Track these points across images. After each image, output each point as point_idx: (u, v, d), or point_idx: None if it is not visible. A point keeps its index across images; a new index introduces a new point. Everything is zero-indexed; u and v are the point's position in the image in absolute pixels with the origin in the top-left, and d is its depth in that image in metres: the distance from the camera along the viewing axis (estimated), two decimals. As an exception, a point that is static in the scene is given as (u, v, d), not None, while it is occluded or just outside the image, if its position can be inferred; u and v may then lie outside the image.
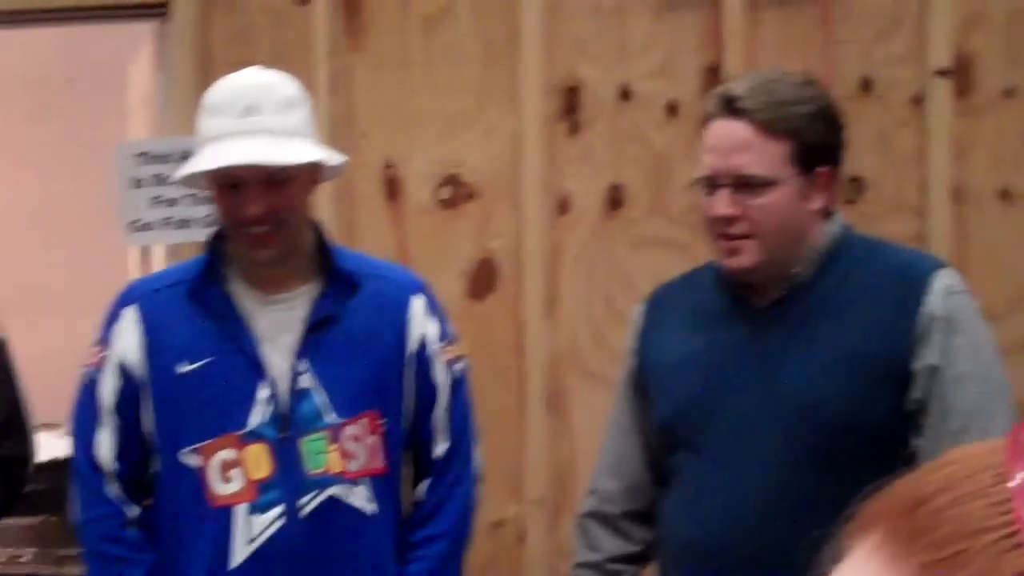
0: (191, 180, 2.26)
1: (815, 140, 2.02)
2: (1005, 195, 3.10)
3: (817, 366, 2.01)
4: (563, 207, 3.10)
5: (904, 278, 2.03)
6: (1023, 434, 0.43)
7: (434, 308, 2.32)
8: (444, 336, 2.31)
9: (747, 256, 2.02)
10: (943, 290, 1.99)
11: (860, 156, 3.09)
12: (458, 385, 2.32)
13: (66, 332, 4.74)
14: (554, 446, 3.02)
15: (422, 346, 2.27)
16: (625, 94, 3.15)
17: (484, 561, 2.83)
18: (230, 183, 2.14)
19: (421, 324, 2.28)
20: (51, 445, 3.87)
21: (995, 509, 0.42)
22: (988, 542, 0.42)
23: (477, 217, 3.10)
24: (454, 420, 2.30)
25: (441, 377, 2.29)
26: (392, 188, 3.11)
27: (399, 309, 2.26)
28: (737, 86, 2.07)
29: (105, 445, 2.21)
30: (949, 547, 0.43)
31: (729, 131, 2.02)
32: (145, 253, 3.47)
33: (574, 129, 3.13)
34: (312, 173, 2.22)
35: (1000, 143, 3.11)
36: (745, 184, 2.00)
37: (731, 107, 2.02)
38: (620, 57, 3.16)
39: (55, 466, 3.84)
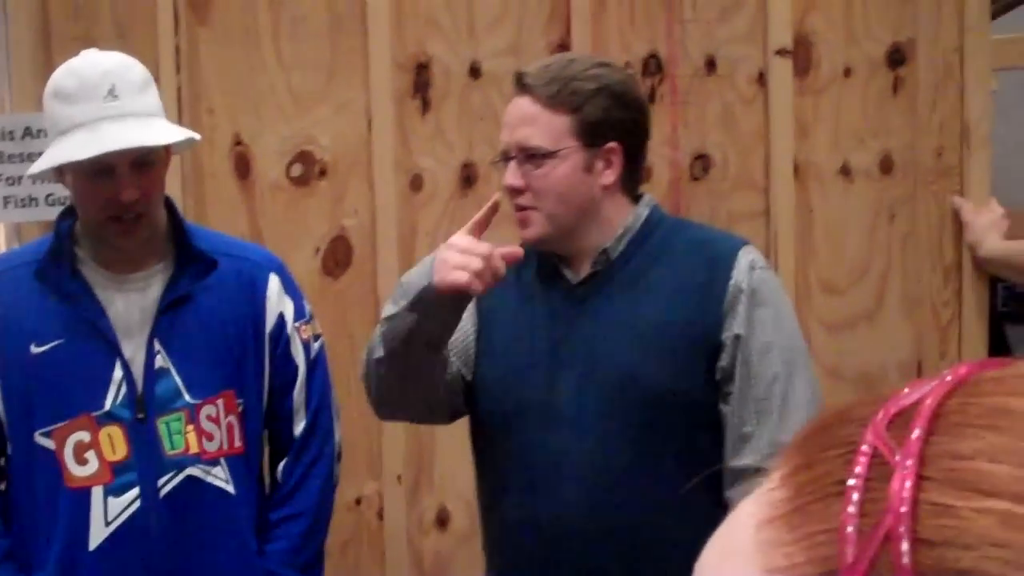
0: (40, 173, 2.20)
1: (598, 115, 2.09)
2: (845, 171, 3.20)
3: (633, 339, 2.08)
4: (416, 184, 3.10)
5: (712, 254, 2.13)
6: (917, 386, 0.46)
7: (290, 287, 2.31)
8: (301, 315, 2.30)
9: (534, 227, 2.10)
10: (748, 265, 2.10)
11: (707, 134, 3.17)
12: (316, 363, 2.31)
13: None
14: (411, 423, 3.03)
15: (279, 325, 2.26)
16: (475, 71, 3.16)
17: (345, 538, 2.83)
18: (100, 170, 2.09)
19: (277, 303, 2.27)
20: None
21: (852, 431, 0.45)
22: (832, 456, 0.45)
23: (330, 194, 3.08)
24: (312, 398, 2.30)
25: (299, 356, 2.29)
26: (242, 165, 3.07)
27: (255, 288, 2.25)
28: (531, 66, 2.17)
29: None
30: (809, 459, 0.46)
31: (518, 106, 2.12)
32: (-14, 233, 3.36)
33: (425, 106, 3.13)
34: (168, 155, 2.20)
35: (839, 121, 3.20)
36: (529, 156, 2.08)
37: (520, 84, 2.12)
38: (469, 34, 3.16)
39: None
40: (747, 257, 2.13)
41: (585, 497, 2.06)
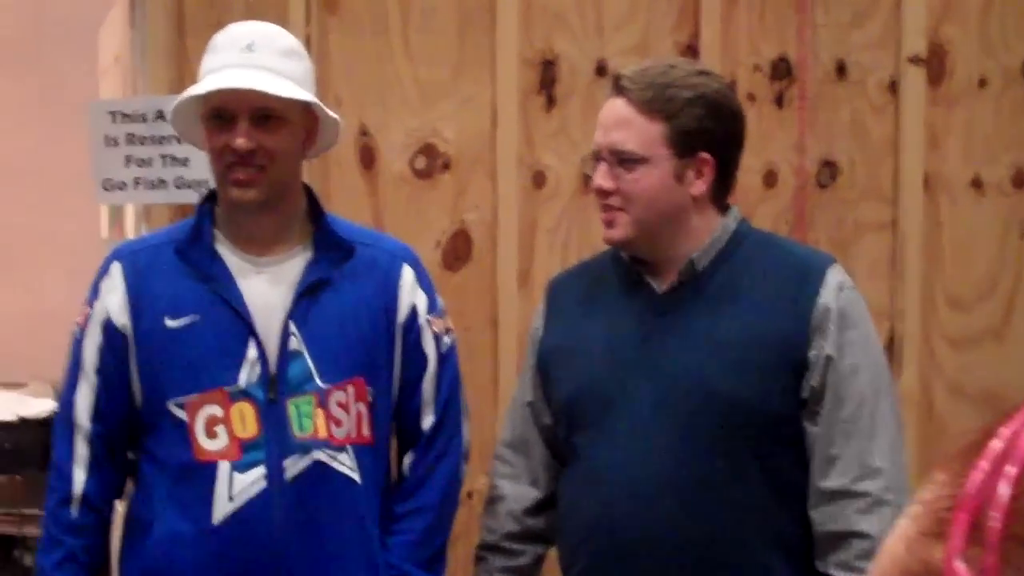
0: (186, 131, 2.24)
1: (692, 125, 2.08)
2: (976, 184, 3.14)
3: (716, 353, 2.07)
4: (539, 181, 3.10)
5: (800, 271, 2.12)
6: None
7: (424, 279, 2.32)
8: (433, 308, 2.31)
9: (619, 229, 2.10)
10: (836, 285, 2.09)
11: (835, 141, 3.12)
12: (446, 358, 2.32)
13: (34, 291, 4.71)
14: (526, 419, 3.03)
15: (412, 316, 2.27)
16: (602, 69, 3.15)
17: (456, 531, 2.83)
18: (221, 115, 2.13)
19: (411, 294, 2.27)
20: (15, 404, 3.85)
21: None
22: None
23: (452, 188, 3.09)
24: (441, 393, 2.30)
25: (430, 349, 2.29)
26: (367, 156, 3.10)
27: (390, 278, 2.26)
28: (629, 69, 2.16)
29: (83, 403, 2.20)
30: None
31: (612, 109, 2.12)
32: (117, 213, 3.44)
33: (551, 103, 3.13)
34: (305, 127, 2.20)
35: (972, 133, 3.14)
36: (621, 159, 2.08)
37: (617, 86, 2.12)
38: (597, 32, 3.16)
39: (19, 425, 3.82)
40: (836, 277, 2.11)
41: (660, 511, 2.06)
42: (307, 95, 2.16)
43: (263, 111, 2.12)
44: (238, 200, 2.16)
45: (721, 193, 2.17)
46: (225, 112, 2.13)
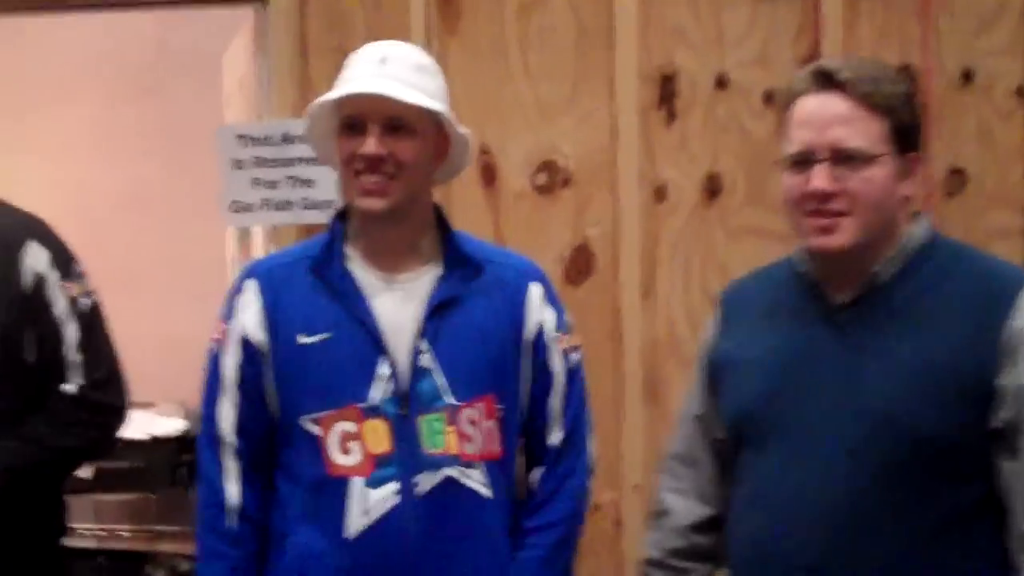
0: (320, 148, 2.27)
1: (909, 121, 1.96)
2: (1109, 188, 3.06)
3: (895, 375, 1.91)
4: (660, 195, 3.09)
5: (992, 289, 1.92)
6: None
7: (551, 297, 2.31)
8: (560, 325, 2.30)
9: (843, 234, 1.93)
10: None
11: (962, 148, 3.07)
12: (573, 375, 2.31)
13: (162, 314, 4.81)
14: (651, 433, 3.02)
15: (539, 333, 2.26)
16: (721, 82, 3.14)
17: (582, 546, 2.83)
18: (353, 124, 2.15)
19: (539, 311, 2.27)
20: (146, 423, 3.94)
21: None
22: None
23: (573, 203, 3.10)
24: (569, 409, 2.29)
25: (557, 365, 2.28)
26: (488, 174, 3.12)
27: (518, 295, 2.26)
28: (829, 62, 1.99)
29: (226, 418, 2.23)
30: None
31: (826, 104, 1.94)
32: (244, 235, 3.51)
33: (671, 117, 3.12)
34: (435, 142, 2.21)
35: (1104, 137, 3.07)
36: (845, 158, 1.91)
37: (828, 80, 1.94)
38: (717, 45, 3.15)
39: (150, 444, 3.91)
40: None
41: (825, 538, 1.91)
42: (437, 104, 2.18)
43: (394, 120, 2.14)
44: (367, 209, 2.17)
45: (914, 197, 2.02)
46: (357, 120, 2.15)
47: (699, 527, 2.15)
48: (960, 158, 3.07)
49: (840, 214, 1.92)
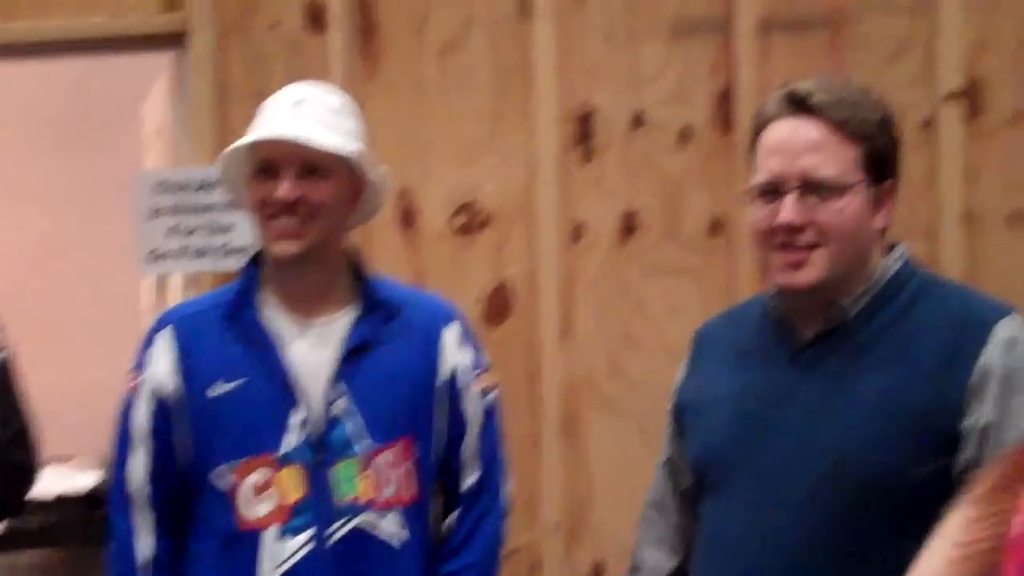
0: (234, 193, 2.26)
1: (884, 148, 1.86)
2: (1016, 219, 3.11)
3: (856, 416, 1.81)
4: (577, 234, 3.12)
5: (963, 325, 1.81)
6: None
7: (467, 337, 2.31)
8: (477, 365, 2.30)
9: (814, 269, 1.83)
10: (1005, 342, 1.78)
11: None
12: (489, 415, 2.30)
13: (80, 365, 4.77)
14: (569, 473, 3.03)
15: (453, 376, 2.26)
16: (638, 120, 3.17)
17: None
18: (267, 169, 2.14)
19: (454, 355, 2.27)
20: (61, 478, 3.90)
21: None
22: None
23: (492, 244, 3.12)
24: (484, 451, 2.29)
25: (472, 407, 2.28)
26: (407, 215, 3.13)
27: (432, 338, 2.25)
28: (802, 85, 1.87)
29: (137, 471, 2.21)
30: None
31: (798, 130, 1.83)
32: (161, 284, 3.49)
33: (588, 156, 3.15)
34: (352, 184, 2.21)
35: (1010, 167, 3.12)
36: (816, 188, 1.81)
37: (800, 105, 1.84)
38: (633, 83, 3.18)
39: (65, 500, 3.86)
40: (1007, 331, 1.79)
41: None
42: (352, 148, 2.17)
43: (309, 164, 2.14)
44: (281, 254, 2.16)
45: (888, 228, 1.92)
46: (271, 164, 2.14)
47: None
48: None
49: (810, 247, 1.83)
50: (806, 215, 1.81)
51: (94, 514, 3.90)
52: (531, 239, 3.10)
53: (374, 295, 2.24)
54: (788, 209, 1.82)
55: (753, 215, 1.88)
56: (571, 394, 3.06)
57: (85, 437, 4.04)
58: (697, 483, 1.99)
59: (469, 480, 2.28)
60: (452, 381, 2.26)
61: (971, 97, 3.11)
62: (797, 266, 1.83)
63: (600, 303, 3.09)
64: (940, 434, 1.76)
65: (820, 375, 1.86)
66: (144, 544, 2.20)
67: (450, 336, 2.28)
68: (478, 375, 2.30)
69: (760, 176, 1.86)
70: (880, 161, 1.85)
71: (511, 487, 2.37)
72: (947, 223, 3.09)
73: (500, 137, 3.16)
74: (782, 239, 1.84)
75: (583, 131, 3.15)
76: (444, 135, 3.17)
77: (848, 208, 1.82)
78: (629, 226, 3.12)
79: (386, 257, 3.07)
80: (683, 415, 2.04)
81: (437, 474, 2.28)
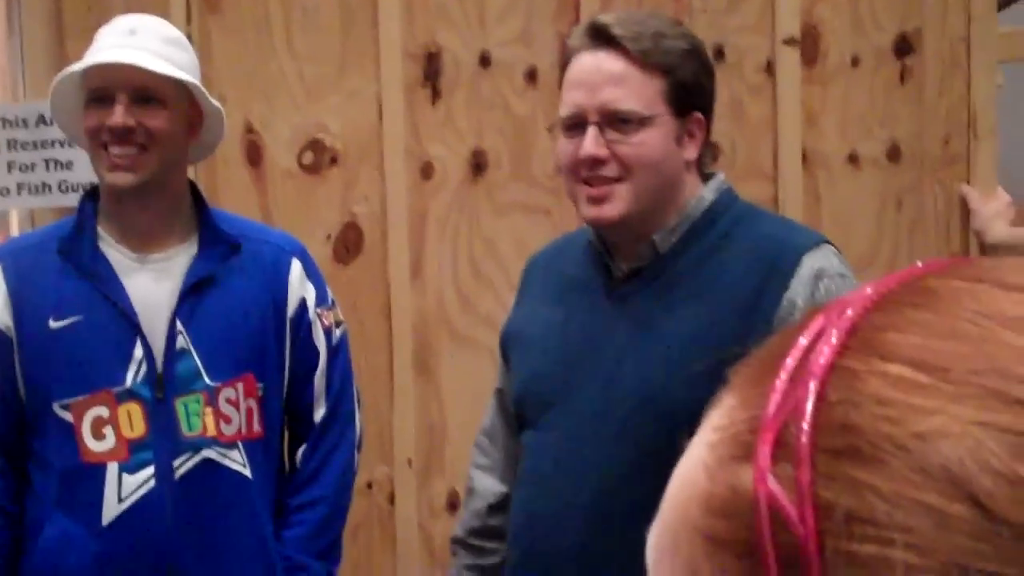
0: (68, 126, 2.21)
1: (690, 79, 1.84)
2: (853, 160, 3.21)
3: (661, 354, 1.80)
4: (427, 172, 3.12)
5: (772, 257, 1.80)
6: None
7: (312, 272, 2.30)
8: (323, 300, 2.30)
9: (617, 204, 1.81)
10: (812, 275, 1.78)
11: (716, 123, 3.18)
12: (338, 350, 2.31)
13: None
14: (423, 407, 3.05)
15: (301, 310, 2.26)
16: (484, 61, 3.18)
17: (356, 522, 2.85)
18: (100, 96, 2.10)
19: (299, 288, 2.26)
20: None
21: (812, 317, 0.50)
22: (783, 339, 0.50)
23: (341, 182, 3.10)
24: (333, 385, 2.29)
25: (320, 342, 2.28)
26: (254, 153, 3.09)
27: (278, 272, 2.24)
28: (605, 17, 1.86)
29: None
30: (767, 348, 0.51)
31: (599, 63, 1.81)
32: (1, 219, 3.39)
33: (436, 95, 3.15)
34: (188, 116, 2.18)
35: (847, 110, 3.22)
36: (617, 121, 1.80)
37: (601, 37, 1.82)
38: (479, 24, 3.18)
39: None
40: (814, 263, 1.78)
41: (585, 522, 1.82)
42: (187, 76, 2.14)
43: (143, 91, 2.10)
44: (117, 184, 2.12)
45: (704, 160, 1.91)
46: (104, 92, 2.10)
47: (496, 506, 2.06)
48: (714, 132, 3.18)
49: (614, 180, 1.81)
50: (607, 148, 1.80)
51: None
52: (380, 178, 3.10)
53: (215, 229, 2.22)
54: (589, 142, 1.80)
55: (558, 149, 1.88)
56: (423, 330, 3.08)
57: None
58: (518, 415, 2.00)
59: (318, 414, 2.29)
60: (298, 316, 2.26)
61: (808, 43, 3.19)
62: (600, 200, 1.81)
63: (450, 241, 3.11)
64: None
65: (631, 312, 1.85)
66: None
67: (295, 270, 2.27)
68: (324, 310, 2.30)
69: (563, 110, 1.85)
70: (686, 93, 1.83)
71: (362, 422, 2.38)
72: (788, 164, 3.17)
73: (346, 75, 3.13)
74: (585, 173, 1.82)
75: (430, 70, 3.15)
76: (290, 73, 3.13)
77: (650, 140, 1.80)
78: (478, 164, 3.14)
79: (233, 196, 3.03)
80: (508, 346, 2.04)
81: (284, 409, 2.28)
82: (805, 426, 0.45)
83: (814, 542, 0.43)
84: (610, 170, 1.81)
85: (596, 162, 1.81)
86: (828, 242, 1.89)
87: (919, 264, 0.51)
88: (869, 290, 0.49)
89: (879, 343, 0.46)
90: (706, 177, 1.91)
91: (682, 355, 1.77)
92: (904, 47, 3.22)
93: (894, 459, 0.43)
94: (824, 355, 0.46)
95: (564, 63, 1.88)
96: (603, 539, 1.81)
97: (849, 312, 0.48)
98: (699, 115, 1.87)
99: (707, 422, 0.51)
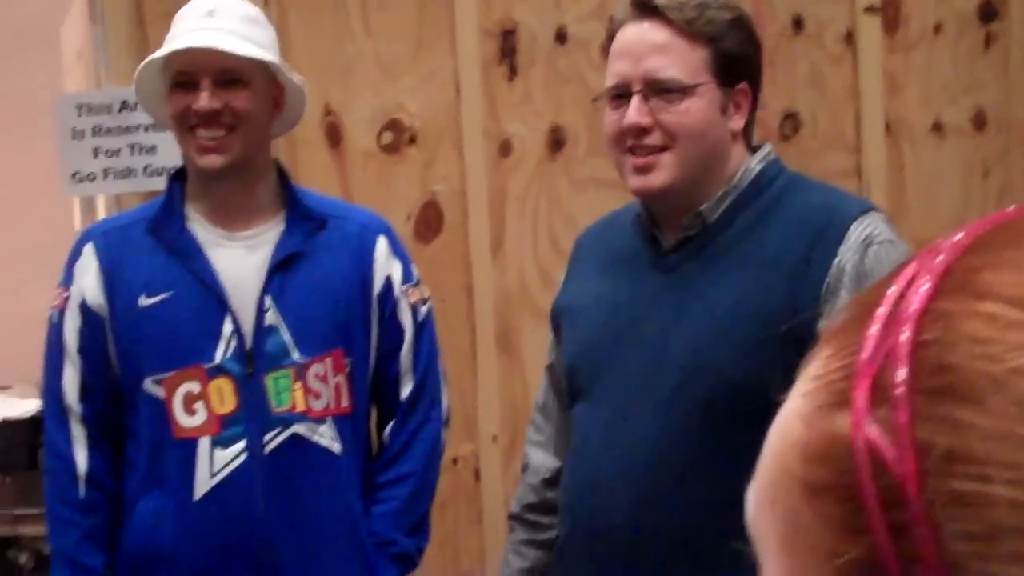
0: (154, 111, 2.24)
1: (735, 49, 1.83)
2: (937, 128, 3.17)
3: (710, 323, 1.80)
4: (505, 149, 3.12)
5: (821, 224, 1.79)
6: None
7: (398, 249, 2.31)
8: (408, 278, 2.31)
9: (663, 172, 1.81)
10: (861, 240, 1.76)
11: (795, 93, 3.15)
12: (423, 327, 2.32)
13: (12, 293, 4.70)
14: (506, 384, 3.06)
15: (387, 287, 2.27)
16: (561, 36, 3.17)
17: (442, 499, 2.86)
18: (184, 81, 2.13)
19: (386, 265, 2.27)
20: (2, 406, 3.87)
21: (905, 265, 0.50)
22: (876, 290, 0.49)
23: (420, 161, 3.11)
24: (419, 361, 2.30)
25: (406, 318, 2.29)
26: (333, 134, 3.11)
27: (364, 249, 2.25)
28: None
29: (70, 385, 2.20)
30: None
31: (642, 33, 1.82)
32: (88, 206, 3.45)
33: (512, 72, 3.15)
34: (271, 94, 2.19)
35: (930, 78, 3.17)
36: (661, 90, 1.80)
37: (646, 8, 1.82)
38: (555, 0, 3.17)
39: (8, 426, 3.83)
40: (863, 229, 1.77)
41: (633, 494, 1.82)
42: (268, 55, 2.16)
43: (226, 73, 2.12)
44: (206, 167, 2.14)
45: (750, 131, 1.89)
46: (188, 76, 2.12)
47: (551, 481, 2.06)
48: (794, 103, 3.15)
49: (658, 150, 1.81)
50: (651, 116, 1.80)
51: (39, 439, 3.89)
52: (459, 156, 3.10)
53: (302, 206, 2.24)
54: (633, 111, 1.80)
55: (605, 120, 1.87)
56: (505, 308, 3.08)
57: (22, 366, 4.01)
58: (569, 388, 2.00)
59: (405, 391, 2.30)
60: (385, 292, 2.27)
61: (889, 11, 3.15)
62: (646, 169, 1.81)
63: (530, 218, 3.11)
64: (796, 339, 1.65)
65: (679, 282, 1.85)
66: (80, 458, 2.20)
67: (382, 247, 2.28)
68: (410, 287, 2.31)
69: (609, 80, 1.85)
70: (731, 63, 1.82)
71: (449, 398, 2.39)
72: (870, 134, 3.13)
73: (423, 54, 3.14)
74: (631, 142, 1.82)
75: (506, 47, 3.15)
76: (366, 53, 3.15)
77: (694, 109, 1.80)
78: (557, 141, 3.14)
79: (314, 177, 3.05)
80: (559, 320, 2.04)
81: (372, 386, 2.30)
82: (901, 368, 0.45)
83: (914, 483, 0.43)
84: (655, 139, 1.81)
85: (641, 131, 1.81)
86: (876, 209, 1.88)
87: (1010, 209, 0.51)
88: (960, 235, 0.49)
89: (973, 284, 0.46)
90: (754, 150, 1.91)
91: (731, 323, 1.78)
92: (989, 12, 3.17)
93: (992, 396, 0.42)
94: (918, 299, 0.46)
95: (610, 36, 1.88)
96: (653, 506, 1.81)
97: (942, 256, 0.47)
98: (744, 86, 1.85)
99: (802, 374, 0.51)
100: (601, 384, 1.91)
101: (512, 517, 2.14)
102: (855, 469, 0.44)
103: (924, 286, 0.46)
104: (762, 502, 0.51)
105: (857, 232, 1.77)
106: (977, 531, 0.42)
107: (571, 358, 1.98)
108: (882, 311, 0.47)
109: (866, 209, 1.84)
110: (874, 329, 0.47)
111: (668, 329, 1.84)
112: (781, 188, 1.87)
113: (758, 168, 1.87)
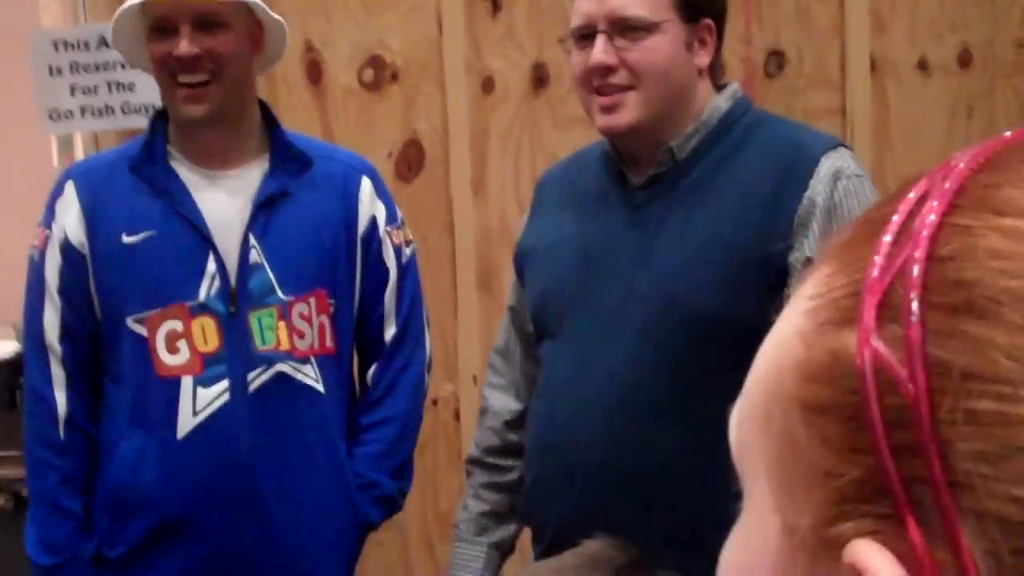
0: (132, 56, 2.21)
1: None
2: (922, 66, 3.15)
3: (681, 256, 1.82)
4: (488, 87, 3.09)
5: (790, 159, 1.81)
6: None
7: (382, 191, 2.30)
8: (392, 219, 2.29)
9: (629, 111, 1.82)
10: (831, 174, 1.78)
11: (781, 31, 3.13)
12: (407, 269, 2.30)
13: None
14: (487, 324, 3.05)
15: (372, 227, 2.25)
16: (544, -28, 3.13)
17: (423, 439, 2.85)
18: (163, 27, 2.10)
19: (370, 206, 2.26)
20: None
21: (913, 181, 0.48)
22: (887, 204, 0.48)
23: (402, 99, 3.08)
24: (403, 304, 2.29)
25: (391, 260, 2.28)
26: (314, 72, 3.08)
27: (349, 190, 2.24)
28: None
29: (51, 326, 2.18)
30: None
31: None
32: (66, 143, 3.41)
33: (496, 8, 3.11)
34: (250, 34, 2.17)
35: (916, 15, 3.14)
36: (626, 28, 1.81)
37: None
38: (538, -65, 3.14)
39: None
40: (832, 164, 1.79)
41: (607, 427, 1.83)
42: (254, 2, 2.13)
43: (205, 16, 2.09)
44: (189, 117, 2.13)
45: (717, 68, 1.90)
46: (166, 21, 2.10)
47: (512, 423, 2.07)
48: (779, 40, 3.13)
49: (624, 88, 1.82)
50: (616, 56, 1.81)
51: (17, 380, 3.86)
52: (441, 93, 3.07)
53: (286, 146, 2.22)
54: (598, 50, 1.81)
55: (572, 61, 1.88)
56: (486, 247, 3.07)
57: (2, 305, 3.98)
58: (535, 329, 2.00)
59: (388, 333, 2.29)
60: (369, 234, 2.25)
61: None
62: (612, 108, 1.82)
63: (512, 155, 3.09)
64: (767, 271, 1.75)
65: (649, 218, 1.86)
66: (60, 399, 2.19)
67: (366, 188, 2.26)
68: (394, 229, 2.30)
69: (574, 20, 1.86)
70: (695, 0, 1.84)
71: (430, 340, 2.38)
72: (855, 72, 3.11)
73: (404, -10, 3.10)
74: (597, 82, 1.83)
75: (489, -16, 3.11)
76: (347, -11, 3.11)
77: (659, 46, 1.81)
78: (540, 78, 3.10)
79: (295, 115, 3.02)
80: (523, 261, 2.04)
81: (355, 328, 2.29)
82: (915, 284, 0.43)
83: (926, 402, 0.41)
84: (620, 78, 1.82)
85: (606, 70, 1.82)
86: (844, 144, 1.90)
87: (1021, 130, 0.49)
88: (972, 153, 0.47)
89: (991, 199, 0.44)
90: (719, 88, 1.92)
91: (702, 257, 1.80)
92: (975, -51, 3.14)
93: (1013, 311, 0.41)
94: (932, 214, 0.44)
95: None
96: (625, 440, 1.82)
97: (954, 173, 0.46)
98: (709, 21, 1.86)
99: (799, 292, 0.49)
100: (570, 321, 1.91)
101: (471, 461, 2.14)
102: (861, 387, 0.43)
103: (937, 201, 0.45)
104: (751, 423, 0.50)
105: (827, 166, 1.79)
106: (990, 451, 0.41)
107: (539, 297, 1.98)
108: (893, 226, 0.45)
109: (834, 144, 1.86)
110: (884, 244, 0.45)
111: (639, 264, 1.85)
112: (749, 125, 1.88)
113: (727, 106, 1.89)
